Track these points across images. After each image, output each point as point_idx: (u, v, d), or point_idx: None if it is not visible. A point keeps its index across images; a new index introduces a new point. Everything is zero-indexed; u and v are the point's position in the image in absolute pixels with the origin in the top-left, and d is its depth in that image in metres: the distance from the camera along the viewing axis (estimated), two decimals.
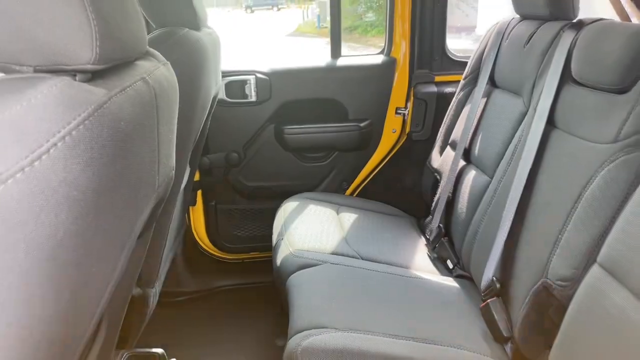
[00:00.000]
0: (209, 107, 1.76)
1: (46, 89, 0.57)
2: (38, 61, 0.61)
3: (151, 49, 1.00)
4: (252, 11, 37.45)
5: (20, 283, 0.52)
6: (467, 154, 1.94)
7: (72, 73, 0.62)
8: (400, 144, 2.45)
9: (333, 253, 1.79)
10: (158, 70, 0.94)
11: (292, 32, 18.30)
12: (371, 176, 2.50)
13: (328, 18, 2.42)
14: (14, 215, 0.49)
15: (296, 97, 2.35)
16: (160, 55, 1.03)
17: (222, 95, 2.25)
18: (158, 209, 1.05)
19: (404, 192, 2.46)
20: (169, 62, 1.05)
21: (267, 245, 2.15)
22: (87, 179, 0.59)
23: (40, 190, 0.51)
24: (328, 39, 2.41)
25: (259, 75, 2.28)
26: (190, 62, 1.49)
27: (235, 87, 2.27)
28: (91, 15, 0.61)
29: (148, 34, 1.49)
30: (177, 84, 1.07)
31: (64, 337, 0.62)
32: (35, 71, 0.61)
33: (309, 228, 1.94)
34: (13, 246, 0.50)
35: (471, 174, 1.86)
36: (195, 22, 1.67)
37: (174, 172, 1.05)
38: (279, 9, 35.79)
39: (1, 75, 0.62)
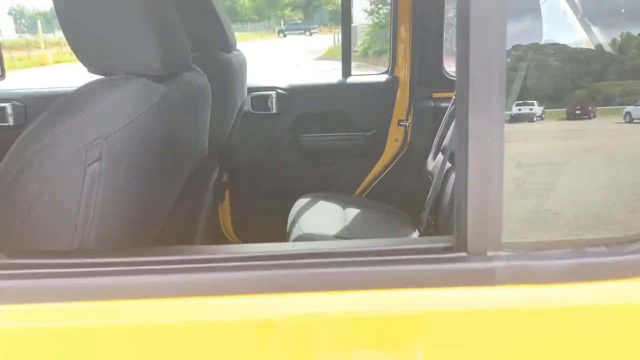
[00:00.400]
0: (235, 114, 2.15)
1: (133, 85, 0.95)
2: (127, 69, 1.00)
3: (194, 65, 1.39)
4: (285, 35, 38.43)
5: (118, 195, 0.90)
6: (452, 157, 2.29)
7: (147, 76, 1.01)
8: (403, 152, 2.81)
9: (335, 237, 2.15)
10: (198, 80, 1.33)
11: (321, 55, 18.88)
12: (377, 180, 2.85)
13: (358, 42, 2.80)
14: (119, 153, 0.87)
15: (311, 110, 2.73)
16: (200, 70, 1.42)
17: (247, 107, 2.64)
18: (193, 183, 1.43)
19: (404, 193, 2.80)
20: (205, 75, 1.44)
21: (283, 239, 2.51)
22: (152, 141, 0.97)
23: (131, 140, 0.90)
24: (357, 63, 2.79)
25: (280, 91, 2.68)
26: (220, 78, 1.88)
27: (259, 100, 2.67)
28: (160, 41, 1.00)
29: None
30: (210, 92, 1.46)
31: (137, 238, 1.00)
32: (125, 74, 1.00)
33: (318, 218, 2.30)
34: (118, 172, 0.88)
35: (454, 174, 2.21)
36: (226, 46, 2.08)
37: (206, 153, 1.43)
38: (310, 34, 36.63)
39: (104, 77, 1.01)
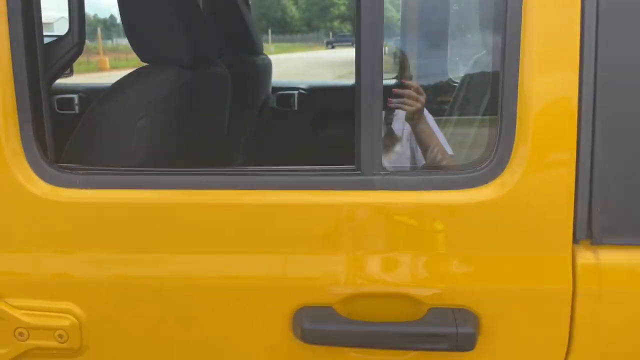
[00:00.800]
0: (257, 108, 2.59)
1: (169, 71, 1.39)
2: (166, 60, 1.44)
3: (219, 62, 1.83)
4: (333, 47, 39.00)
5: (155, 143, 1.33)
6: None
7: (180, 65, 1.45)
8: None
9: None
10: (220, 72, 1.77)
11: None
12: None
13: None
14: (157, 115, 1.31)
15: (328, 109, 3.15)
16: (224, 66, 1.86)
17: (273, 104, 3.08)
18: (211, 158, 1.86)
19: None
20: (227, 70, 1.88)
21: None
22: (178, 110, 1.41)
23: (165, 108, 1.33)
24: None
25: (301, 91, 3.11)
26: (244, 76, 2.32)
27: (283, 98, 3.11)
28: (192, 41, 1.44)
29: (220, 55, 2.35)
30: (229, 84, 1.89)
31: None
32: (164, 63, 1.44)
33: None
34: (155, 128, 1.31)
35: None
36: (253, 50, 2.52)
37: (224, 131, 1.86)
38: None
39: (149, 64, 1.45)
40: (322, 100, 3.14)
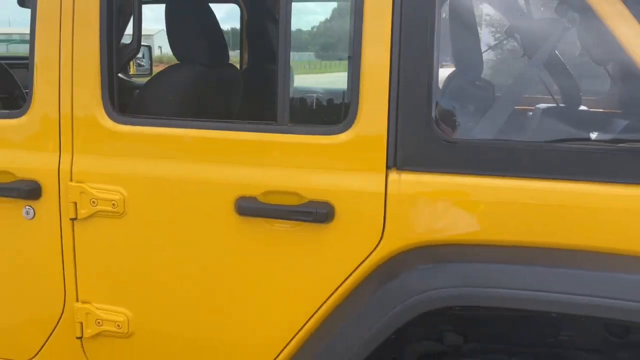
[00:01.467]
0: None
1: (190, 67, 2.30)
2: (189, 59, 2.34)
3: (232, 64, 2.72)
4: None
5: (175, 107, 2.24)
6: None
7: (199, 64, 2.34)
8: None
9: None
10: (231, 71, 2.66)
11: None
12: None
13: None
14: (180, 92, 2.22)
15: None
16: (235, 67, 2.74)
17: None
18: None
19: None
20: (239, 71, 2.76)
21: None
22: (194, 92, 2.30)
23: (186, 90, 2.24)
24: None
25: (317, 95, 3.96)
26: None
27: (302, 100, 3.97)
28: (209, 46, 2.33)
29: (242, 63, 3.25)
30: (239, 81, 2.75)
31: None
32: (190, 62, 2.34)
33: None
34: (176, 101, 2.22)
35: None
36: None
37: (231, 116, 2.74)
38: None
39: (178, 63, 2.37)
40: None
